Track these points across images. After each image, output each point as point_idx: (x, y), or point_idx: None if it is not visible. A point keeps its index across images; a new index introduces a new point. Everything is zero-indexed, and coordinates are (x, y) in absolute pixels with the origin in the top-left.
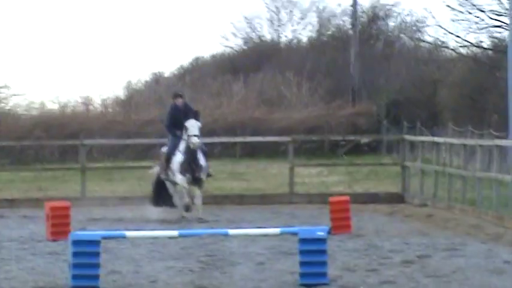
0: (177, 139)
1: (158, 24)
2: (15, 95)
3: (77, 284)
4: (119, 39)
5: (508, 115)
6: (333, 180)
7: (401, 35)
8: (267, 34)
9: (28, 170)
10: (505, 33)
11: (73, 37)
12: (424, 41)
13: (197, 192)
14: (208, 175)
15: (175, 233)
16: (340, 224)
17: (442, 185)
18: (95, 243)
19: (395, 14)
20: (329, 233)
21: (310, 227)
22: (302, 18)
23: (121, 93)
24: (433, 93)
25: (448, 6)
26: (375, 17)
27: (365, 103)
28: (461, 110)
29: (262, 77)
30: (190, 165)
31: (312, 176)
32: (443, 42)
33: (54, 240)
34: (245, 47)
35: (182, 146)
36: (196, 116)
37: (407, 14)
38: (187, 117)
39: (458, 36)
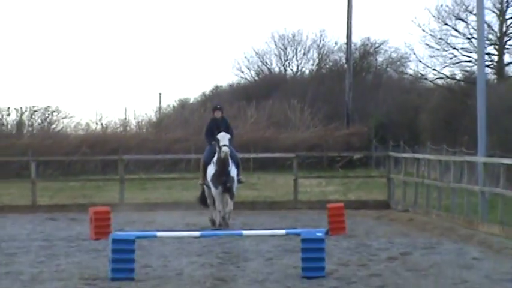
0: (212, 148)
1: (185, 57)
2: (65, 117)
3: (115, 276)
4: (152, 70)
5: (476, 136)
6: (330, 190)
7: (388, 69)
8: (275, 67)
9: (75, 181)
10: (474, 67)
11: (113, 68)
12: (407, 74)
13: (228, 200)
14: (240, 182)
15: (197, 233)
16: (336, 226)
17: (421, 194)
18: (130, 242)
19: (383, 50)
20: (327, 234)
21: (310, 229)
22: (304, 54)
23: (153, 116)
24: (414, 117)
25: (427, 44)
26: (366, 53)
27: (357, 125)
28: (438, 132)
29: (271, 103)
30: (221, 177)
31: (313, 186)
32: (423, 74)
33: (96, 239)
34: (257, 78)
35: (215, 157)
36: (227, 129)
37: (393, 51)
38: (219, 131)
39: (435, 70)
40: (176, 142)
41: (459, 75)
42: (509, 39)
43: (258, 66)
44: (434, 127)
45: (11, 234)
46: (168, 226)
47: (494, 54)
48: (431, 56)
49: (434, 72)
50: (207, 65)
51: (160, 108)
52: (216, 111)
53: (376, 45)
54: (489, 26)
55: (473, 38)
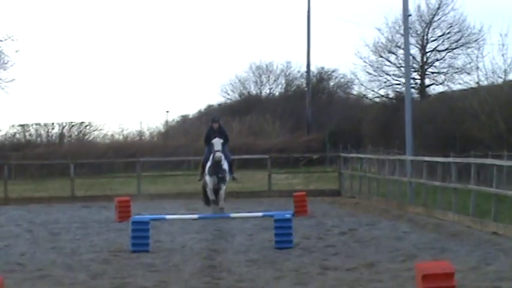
0: (209, 151)
1: (186, 83)
2: (95, 130)
3: (135, 249)
4: (161, 93)
5: (405, 140)
6: (295, 182)
7: (338, 90)
8: (253, 90)
9: (103, 178)
10: (403, 89)
11: (132, 91)
12: (352, 94)
13: (222, 186)
14: (234, 178)
15: (196, 216)
16: (300, 209)
17: (364, 184)
18: (146, 223)
19: (334, 76)
20: (293, 215)
21: (281, 211)
22: (275, 80)
23: (162, 127)
24: (358, 127)
25: (367, 72)
26: (321, 78)
27: (315, 133)
28: (376, 137)
29: (250, 117)
30: (216, 169)
31: (282, 179)
32: (364, 94)
33: (120, 222)
34: (239, 98)
35: (211, 157)
36: (220, 136)
37: (342, 77)
38: (214, 137)
39: (373, 91)
40: (179, 147)
41: (391, 95)
42: (428, 67)
43: (240, 89)
44: (373, 134)
45: (55, 218)
46: (174, 211)
47: (418, 79)
48: (370, 81)
49: (373, 92)
50: (202, 88)
51: (167, 121)
52: (214, 124)
53: (329, 72)
54: (413, 57)
55: (401, 66)
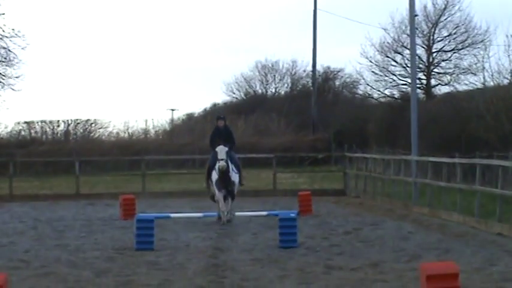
0: (214, 156)
1: (192, 81)
2: (101, 128)
3: (139, 247)
4: (167, 91)
5: (411, 140)
6: (300, 181)
7: (344, 90)
8: (259, 89)
9: (108, 175)
10: (409, 89)
11: (138, 89)
12: (358, 94)
13: (229, 200)
14: (241, 184)
15: (200, 214)
16: (305, 209)
17: (369, 184)
18: (150, 221)
19: (340, 76)
20: (298, 214)
21: (286, 210)
22: (281, 79)
23: (167, 126)
24: (363, 127)
25: (373, 72)
26: (327, 78)
27: (321, 133)
28: (381, 137)
29: (256, 116)
30: (224, 182)
31: (287, 178)
32: (370, 94)
33: (125, 219)
34: (245, 97)
35: (217, 165)
36: (228, 137)
37: (347, 77)
38: (219, 143)
39: (379, 91)
40: (184, 146)
41: (397, 95)
42: (434, 68)
43: (246, 88)
44: (379, 134)
45: (60, 215)
46: (178, 209)
47: (423, 79)
48: (376, 81)
49: (379, 92)
50: (207, 86)
51: (172, 120)
52: (219, 121)
53: (335, 72)
54: (419, 57)
55: (407, 66)
